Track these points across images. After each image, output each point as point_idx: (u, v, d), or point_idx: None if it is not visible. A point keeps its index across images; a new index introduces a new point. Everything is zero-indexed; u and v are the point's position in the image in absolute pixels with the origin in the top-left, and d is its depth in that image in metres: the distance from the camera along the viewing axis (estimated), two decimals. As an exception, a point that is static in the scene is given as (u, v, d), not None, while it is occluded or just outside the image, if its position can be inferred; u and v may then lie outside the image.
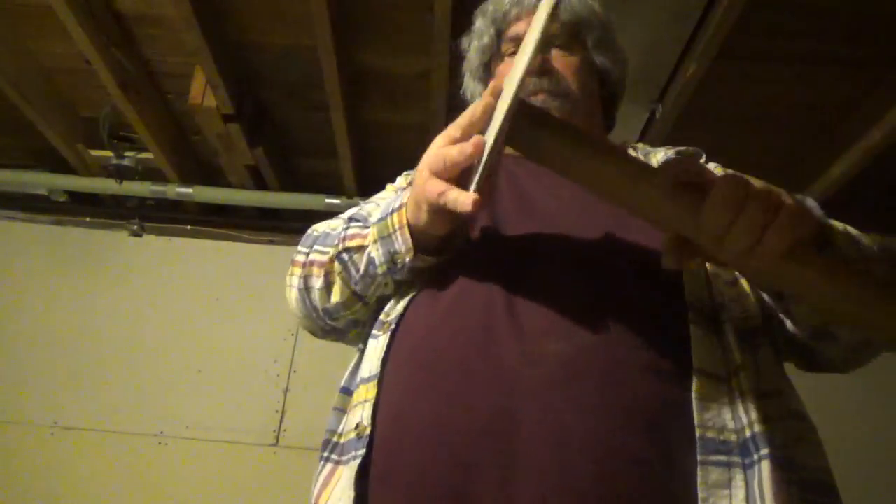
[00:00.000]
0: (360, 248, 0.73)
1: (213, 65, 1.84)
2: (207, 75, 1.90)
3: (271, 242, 2.62)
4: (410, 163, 0.67)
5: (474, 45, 1.01)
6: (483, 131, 0.60)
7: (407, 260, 0.69)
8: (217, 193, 2.46)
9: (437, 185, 0.61)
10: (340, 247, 0.75)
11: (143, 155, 2.34)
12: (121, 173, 2.38)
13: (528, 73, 0.51)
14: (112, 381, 2.36)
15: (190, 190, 2.42)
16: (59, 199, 2.56)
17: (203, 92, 1.99)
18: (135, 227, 2.59)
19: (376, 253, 0.71)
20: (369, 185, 2.37)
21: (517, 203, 0.78)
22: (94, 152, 2.34)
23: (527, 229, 0.73)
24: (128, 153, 2.35)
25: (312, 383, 2.38)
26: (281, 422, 2.34)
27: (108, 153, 2.33)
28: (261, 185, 2.46)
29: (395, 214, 0.69)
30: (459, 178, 0.61)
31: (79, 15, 1.72)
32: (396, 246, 0.69)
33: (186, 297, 2.51)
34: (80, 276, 2.53)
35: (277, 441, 2.31)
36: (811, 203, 0.61)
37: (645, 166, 0.54)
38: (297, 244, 0.85)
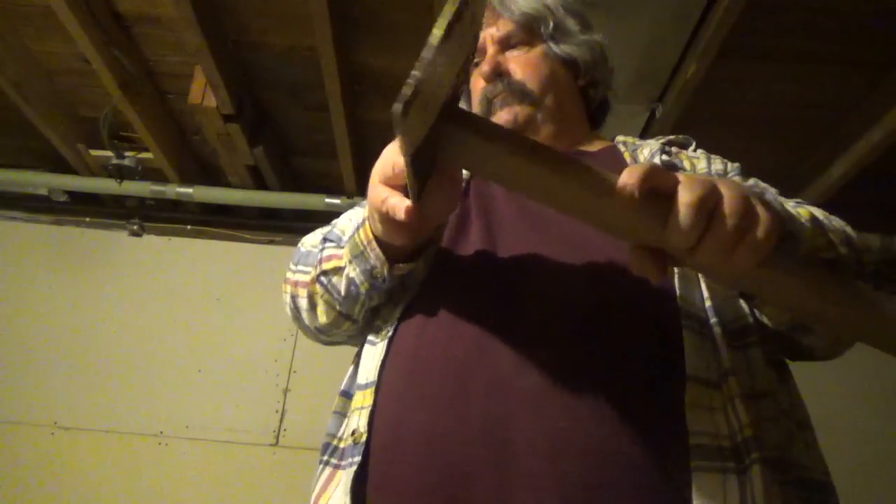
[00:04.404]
0: (338, 270, 0.73)
1: (213, 65, 1.84)
2: (207, 75, 1.90)
3: (271, 242, 2.62)
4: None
5: None
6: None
7: (385, 273, 0.69)
8: (217, 193, 2.47)
9: (381, 192, 0.60)
10: (318, 269, 0.75)
11: (143, 155, 2.34)
12: (121, 173, 2.39)
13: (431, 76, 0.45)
14: (112, 381, 2.36)
15: (190, 190, 2.42)
16: (59, 199, 2.56)
17: (203, 92, 1.99)
18: (135, 227, 2.59)
19: (354, 273, 0.71)
20: (369, 185, 2.37)
21: (514, 209, 0.77)
22: (94, 152, 2.34)
23: (521, 235, 0.73)
24: (128, 153, 2.35)
25: (312, 383, 2.38)
26: (281, 422, 2.34)
27: (108, 153, 2.33)
28: (261, 185, 2.46)
29: (361, 230, 0.69)
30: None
31: (79, 15, 1.72)
32: (371, 261, 0.69)
33: (186, 297, 2.51)
34: (80, 276, 2.53)
35: (277, 441, 2.31)
36: (770, 197, 0.59)
37: (605, 177, 0.49)
38: (297, 244, 0.86)
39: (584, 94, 0.98)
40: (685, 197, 0.46)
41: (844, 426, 2.25)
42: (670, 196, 0.47)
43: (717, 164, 0.83)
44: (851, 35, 1.73)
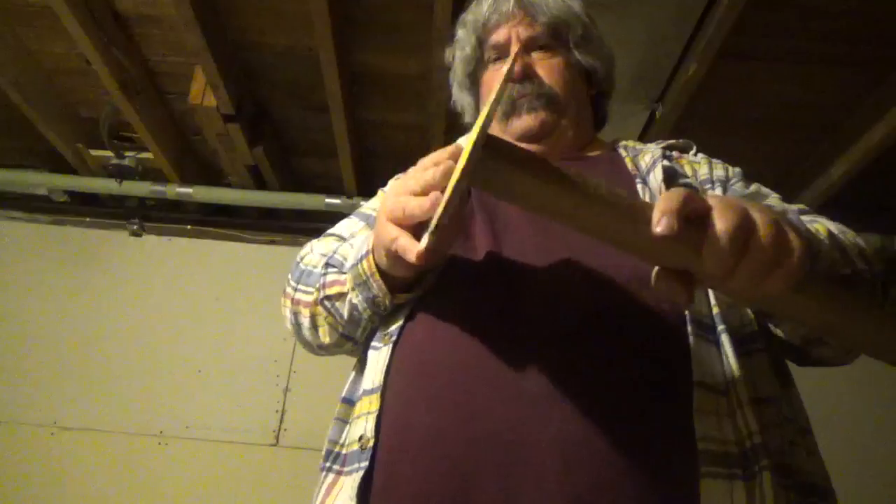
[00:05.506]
0: (341, 296, 0.74)
1: (213, 65, 1.84)
2: (207, 75, 1.90)
3: (271, 242, 2.62)
4: (410, 163, 0.66)
5: (458, 56, 1.01)
6: (442, 190, 0.58)
7: (387, 302, 0.71)
8: (217, 193, 2.46)
9: (391, 232, 0.61)
10: (321, 294, 0.76)
11: (143, 155, 2.34)
12: (121, 173, 2.38)
13: (481, 142, 0.48)
14: (112, 381, 2.36)
15: (190, 190, 2.42)
16: (59, 199, 2.56)
17: (203, 92, 1.99)
18: (135, 227, 2.59)
19: (357, 300, 0.72)
20: (369, 185, 2.37)
21: (519, 212, 0.77)
22: (94, 152, 2.34)
23: (525, 239, 0.73)
24: (128, 153, 2.35)
25: (312, 383, 2.38)
26: (281, 422, 2.34)
27: (108, 153, 2.33)
28: (261, 185, 2.46)
29: (365, 261, 0.70)
30: (418, 225, 0.60)
31: (79, 15, 1.72)
32: (374, 291, 0.70)
33: (186, 297, 2.51)
34: (80, 276, 2.53)
35: (277, 441, 2.31)
36: (794, 219, 0.60)
37: (635, 203, 0.50)
38: (297, 244, 0.86)
39: (592, 102, 0.98)
40: (721, 225, 0.46)
41: (844, 428, 2.24)
42: (703, 221, 0.47)
43: (719, 169, 0.83)
44: (851, 35, 1.73)
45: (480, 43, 0.96)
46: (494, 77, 0.93)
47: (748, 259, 0.46)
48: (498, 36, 0.93)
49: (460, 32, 1.00)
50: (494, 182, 0.53)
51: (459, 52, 1.00)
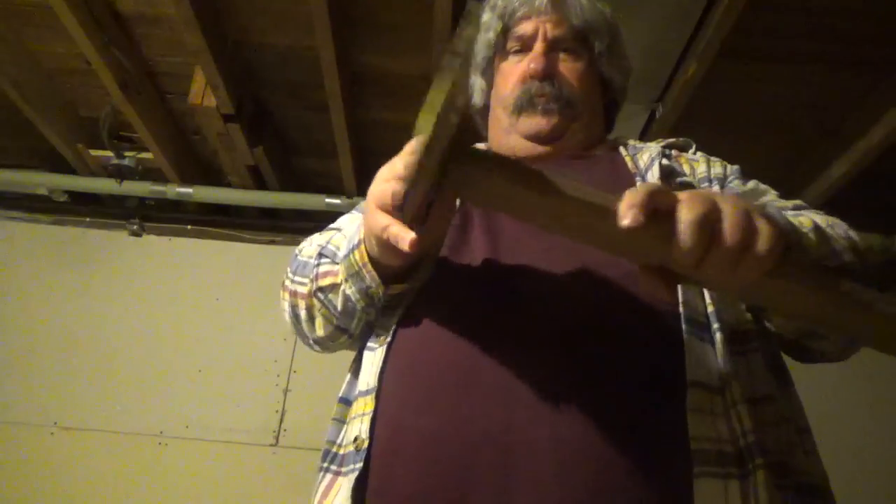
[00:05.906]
0: (334, 287, 0.73)
1: (213, 65, 1.84)
2: (207, 75, 1.90)
3: (271, 242, 2.62)
4: (410, 163, 0.66)
5: (479, 38, 0.99)
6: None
7: (380, 293, 0.70)
8: (217, 193, 2.47)
9: (382, 220, 0.60)
10: (315, 285, 0.76)
11: (143, 155, 2.34)
12: (121, 173, 2.39)
13: (443, 127, 0.47)
14: (112, 381, 2.36)
15: (190, 190, 2.42)
16: (59, 199, 2.56)
17: (203, 92, 1.99)
18: (135, 227, 2.59)
19: (350, 291, 0.71)
20: (369, 185, 2.37)
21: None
22: (94, 152, 2.34)
23: (522, 240, 0.73)
24: (128, 153, 2.35)
25: (312, 383, 2.38)
26: (281, 422, 2.34)
27: (108, 153, 2.33)
28: (261, 185, 2.46)
29: (356, 251, 0.69)
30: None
31: (79, 15, 1.72)
32: (367, 282, 0.69)
33: (186, 297, 2.51)
34: (80, 276, 2.53)
35: (277, 441, 2.31)
36: (772, 210, 0.60)
37: (606, 202, 0.50)
38: (297, 244, 0.86)
39: (603, 111, 0.98)
40: (685, 215, 0.47)
41: (843, 427, 2.24)
42: (672, 215, 0.47)
43: (717, 167, 0.83)
44: (851, 35, 1.73)
45: (505, 31, 0.94)
46: (512, 69, 0.92)
47: (715, 246, 0.47)
48: (525, 28, 0.92)
49: (486, 15, 0.98)
50: (467, 187, 0.53)
51: (482, 34, 0.98)
